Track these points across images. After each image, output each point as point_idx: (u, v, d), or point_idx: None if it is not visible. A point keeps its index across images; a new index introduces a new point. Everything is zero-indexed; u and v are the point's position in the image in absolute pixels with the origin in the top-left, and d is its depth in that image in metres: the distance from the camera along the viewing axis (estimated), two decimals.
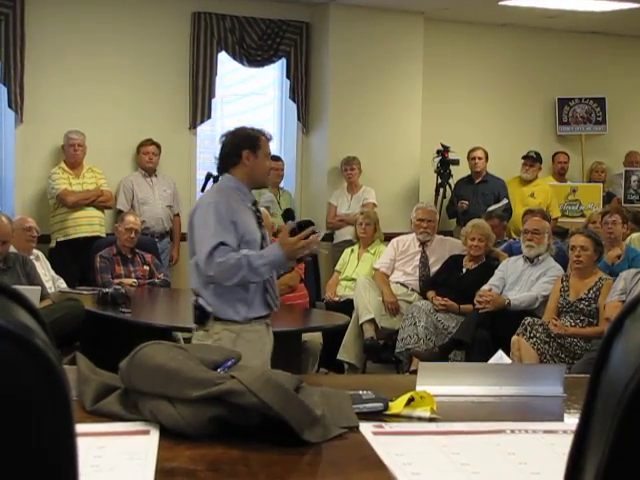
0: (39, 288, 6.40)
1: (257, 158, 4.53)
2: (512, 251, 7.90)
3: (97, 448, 1.78)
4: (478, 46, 10.43)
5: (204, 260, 4.30)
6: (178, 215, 8.88)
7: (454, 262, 7.66)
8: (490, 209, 8.92)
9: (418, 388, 2.26)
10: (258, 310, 4.51)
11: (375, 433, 1.96)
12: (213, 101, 9.20)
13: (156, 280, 7.76)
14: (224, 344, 4.23)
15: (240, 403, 1.82)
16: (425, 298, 7.52)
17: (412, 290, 7.81)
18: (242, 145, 4.51)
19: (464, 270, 7.58)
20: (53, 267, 7.58)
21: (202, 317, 4.44)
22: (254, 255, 4.32)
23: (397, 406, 2.13)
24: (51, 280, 7.39)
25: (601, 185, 10.36)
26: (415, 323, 7.22)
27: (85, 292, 7.20)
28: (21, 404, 0.70)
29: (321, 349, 6.95)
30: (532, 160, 9.92)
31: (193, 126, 9.15)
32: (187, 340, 6.60)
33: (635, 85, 11.14)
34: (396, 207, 9.49)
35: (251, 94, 10.30)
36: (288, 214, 8.76)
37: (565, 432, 2.00)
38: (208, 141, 9.89)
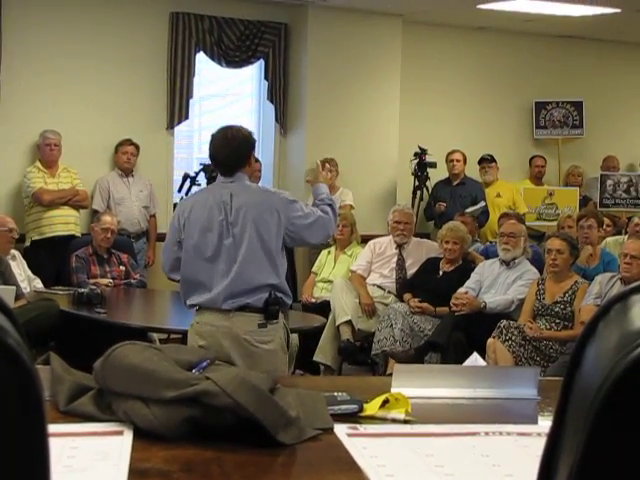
0: (14, 288, 6.37)
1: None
2: (488, 254, 7.94)
3: (70, 448, 1.77)
4: (456, 49, 10.46)
5: (333, 223, 4.72)
6: (154, 216, 8.84)
7: (431, 264, 7.67)
8: (467, 211, 8.94)
9: (393, 390, 2.26)
10: None
11: (350, 435, 1.96)
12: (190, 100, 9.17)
13: (132, 280, 7.73)
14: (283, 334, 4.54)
15: (215, 404, 1.82)
16: (401, 300, 7.53)
17: (389, 292, 7.82)
18: (250, 147, 4.63)
19: (441, 273, 7.59)
20: (29, 266, 7.54)
21: (276, 312, 4.49)
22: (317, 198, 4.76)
23: (372, 408, 2.13)
24: (27, 280, 7.34)
25: (578, 189, 10.40)
26: (391, 325, 7.23)
27: (60, 292, 7.16)
28: None
29: (297, 350, 6.94)
30: (488, 161, 9.99)
31: (170, 126, 9.10)
32: (163, 341, 6.60)
33: (612, 89, 11.19)
34: (373, 209, 9.49)
35: (228, 94, 10.28)
36: None
37: (539, 435, 2.01)
38: (185, 141, 9.87)
